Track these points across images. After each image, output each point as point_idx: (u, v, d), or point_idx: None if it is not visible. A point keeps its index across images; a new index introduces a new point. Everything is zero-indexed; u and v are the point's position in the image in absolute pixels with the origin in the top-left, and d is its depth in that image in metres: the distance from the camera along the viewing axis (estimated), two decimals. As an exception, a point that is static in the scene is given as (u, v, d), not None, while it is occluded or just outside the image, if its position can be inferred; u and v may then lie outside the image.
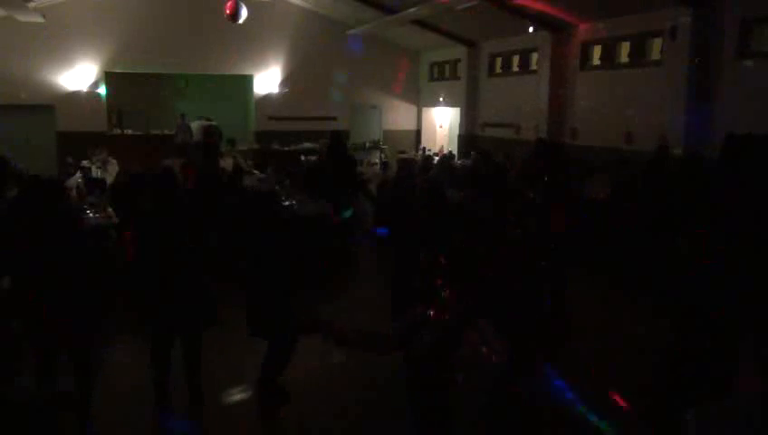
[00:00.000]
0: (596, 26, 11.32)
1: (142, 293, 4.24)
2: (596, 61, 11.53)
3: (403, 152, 15.60)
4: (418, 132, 18.10)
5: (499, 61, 14.45)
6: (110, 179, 9.42)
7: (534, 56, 13.04)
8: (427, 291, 2.91)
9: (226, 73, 15.87)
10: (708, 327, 3.40)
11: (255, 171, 10.98)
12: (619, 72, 10.87)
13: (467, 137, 15.25)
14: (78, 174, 9.48)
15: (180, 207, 4.35)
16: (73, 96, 14.30)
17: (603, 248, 7.56)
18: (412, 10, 12.16)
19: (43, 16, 12.73)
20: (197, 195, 6.97)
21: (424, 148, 16.09)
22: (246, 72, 15.95)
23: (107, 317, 4.62)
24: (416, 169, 10.12)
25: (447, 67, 16.61)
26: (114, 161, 10.16)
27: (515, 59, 13.84)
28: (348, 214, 8.41)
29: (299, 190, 9.23)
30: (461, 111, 15.62)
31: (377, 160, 16.11)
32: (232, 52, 15.28)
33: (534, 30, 12.23)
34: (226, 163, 10.32)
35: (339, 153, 9.49)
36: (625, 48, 10.76)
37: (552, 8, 11.18)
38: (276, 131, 15.71)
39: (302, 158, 13.94)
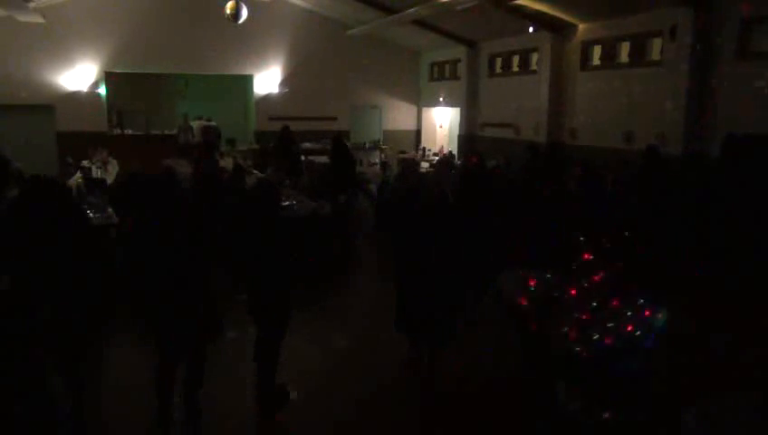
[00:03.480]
0: (596, 26, 11.32)
1: (142, 296, 4.21)
2: (596, 61, 11.53)
3: (403, 152, 15.59)
4: (418, 132, 18.11)
5: (499, 61, 14.45)
6: (110, 179, 9.42)
7: (534, 56, 13.04)
8: None
9: (226, 73, 15.88)
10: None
11: (255, 171, 10.97)
12: (618, 72, 10.87)
13: (467, 137, 15.25)
14: (78, 174, 9.47)
15: (182, 209, 4.33)
16: (73, 96, 14.30)
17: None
18: (412, 10, 12.15)
19: (43, 16, 12.73)
20: (197, 195, 6.96)
21: (424, 148, 16.11)
22: (246, 72, 15.96)
23: (107, 317, 4.62)
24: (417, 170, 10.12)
25: (447, 67, 16.60)
26: (114, 161, 10.17)
27: (515, 59, 13.83)
28: None
29: (299, 191, 9.26)
30: (461, 111, 15.62)
31: (377, 160, 16.11)
32: (232, 52, 15.29)
33: (534, 30, 12.22)
34: (226, 163, 10.32)
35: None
36: (625, 48, 10.76)
37: (552, 8, 11.18)
38: (276, 132, 15.67)
39: (303, 158, 13.88)
